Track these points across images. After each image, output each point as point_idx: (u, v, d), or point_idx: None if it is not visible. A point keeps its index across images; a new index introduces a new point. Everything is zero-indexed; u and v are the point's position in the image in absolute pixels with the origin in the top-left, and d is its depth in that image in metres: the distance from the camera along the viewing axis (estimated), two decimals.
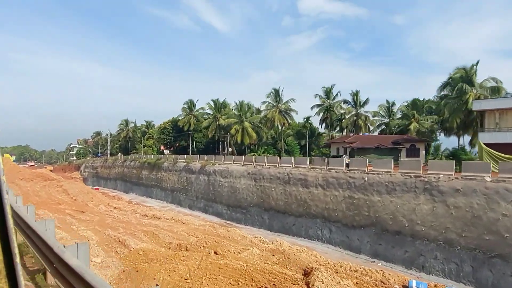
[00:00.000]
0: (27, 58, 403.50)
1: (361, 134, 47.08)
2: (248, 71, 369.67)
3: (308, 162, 27.00)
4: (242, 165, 32.79)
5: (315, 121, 55.55)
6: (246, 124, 50.79)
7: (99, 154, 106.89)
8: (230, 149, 54.23)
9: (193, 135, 68.02)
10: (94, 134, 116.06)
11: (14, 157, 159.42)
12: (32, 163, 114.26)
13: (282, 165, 28.74)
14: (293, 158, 30.11)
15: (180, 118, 71.35)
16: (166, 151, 76.33)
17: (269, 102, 51.23)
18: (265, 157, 33.80)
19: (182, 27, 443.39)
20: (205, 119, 74.32)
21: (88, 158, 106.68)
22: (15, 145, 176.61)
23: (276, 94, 50.48)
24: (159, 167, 49.89)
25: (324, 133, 60.48)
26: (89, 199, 31.06)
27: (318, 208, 24.09)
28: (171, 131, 68.50)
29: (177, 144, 70.75)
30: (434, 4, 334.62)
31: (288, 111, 50.91)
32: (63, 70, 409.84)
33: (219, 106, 56.04)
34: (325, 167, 24.71)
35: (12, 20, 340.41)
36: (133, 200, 46.62)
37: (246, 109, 54.12)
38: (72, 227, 18.37)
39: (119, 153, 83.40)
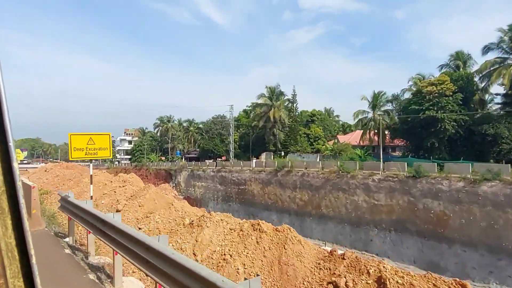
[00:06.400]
0: (20, 51, 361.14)
1: None
2: (247, 66, 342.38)
3: None
4: None
5: None
6: None
7: (178, 153, 67.85)
8: None
9: None
10: (159, 121, 76.88)
11: (25, 153, 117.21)
12: None
13: None
14: None
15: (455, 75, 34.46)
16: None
17: None
18: None
19: (181, 21, 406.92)
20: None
21: (162, 158, 67.53)
22: (24, 137, 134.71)
23: None
24: None
25: None
26: None
27: None
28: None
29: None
30: None
31: None
32: (66, 64, 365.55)
33: None
34: None
35: (12, 16, 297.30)
36: None
37: None
38: None
39: (262, 155, 45.08)
